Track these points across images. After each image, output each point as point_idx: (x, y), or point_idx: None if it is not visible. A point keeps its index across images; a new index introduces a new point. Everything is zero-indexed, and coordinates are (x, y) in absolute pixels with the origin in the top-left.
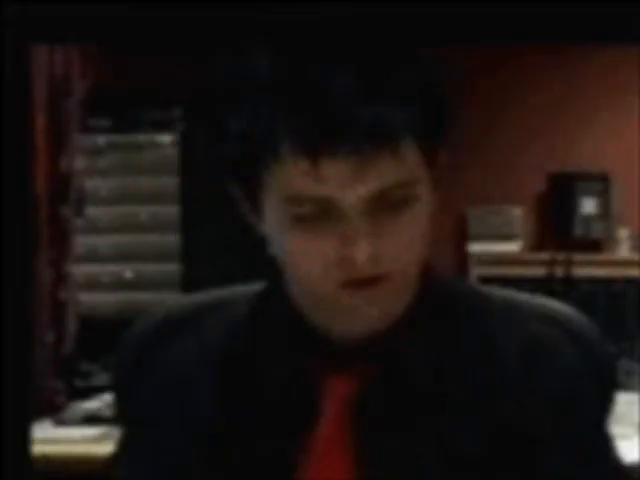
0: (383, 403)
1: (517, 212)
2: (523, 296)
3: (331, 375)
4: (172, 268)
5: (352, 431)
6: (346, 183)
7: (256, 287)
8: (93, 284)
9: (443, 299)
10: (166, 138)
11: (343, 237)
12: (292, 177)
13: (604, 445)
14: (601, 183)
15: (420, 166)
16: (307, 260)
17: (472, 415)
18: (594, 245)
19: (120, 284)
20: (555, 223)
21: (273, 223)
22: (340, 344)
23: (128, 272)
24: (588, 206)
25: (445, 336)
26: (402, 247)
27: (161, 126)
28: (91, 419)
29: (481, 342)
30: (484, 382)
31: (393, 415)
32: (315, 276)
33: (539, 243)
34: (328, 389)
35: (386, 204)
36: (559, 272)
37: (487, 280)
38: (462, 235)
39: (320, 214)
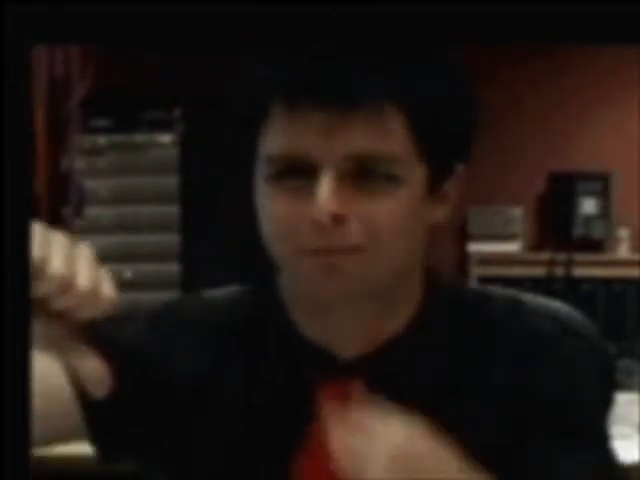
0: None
1: (517, 212)
2: (524, 296)
3: (327, 382)
4: (172, 268)
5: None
6: (321, 139)
7: (249, 289)
8: None
9: (447, 304)
10: (166, 138)
11: (309, 194)
12: (274, 135)
13: (602, 444)
14: (601, 183)
15: (408, 149)
16: (275, 219)
17: (471, 415)
18: (594, 245)
19: (120, 284)
20: (555, 223)
21: (256, 186)
22: (335, 351)
23: (128, 272)
24: (588, 206)
25: (445, 341)
26: (375, 223)
27: (161, 126)
28: None
29: (484, 344)
30: (484, 383)
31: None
32: (281, 237)
33: (539, 243)
34: (324, 396)
35: (364, 174)
36: (559, 272)
37: (487, 280)
38: (462, 235)
39: (293, 172)
